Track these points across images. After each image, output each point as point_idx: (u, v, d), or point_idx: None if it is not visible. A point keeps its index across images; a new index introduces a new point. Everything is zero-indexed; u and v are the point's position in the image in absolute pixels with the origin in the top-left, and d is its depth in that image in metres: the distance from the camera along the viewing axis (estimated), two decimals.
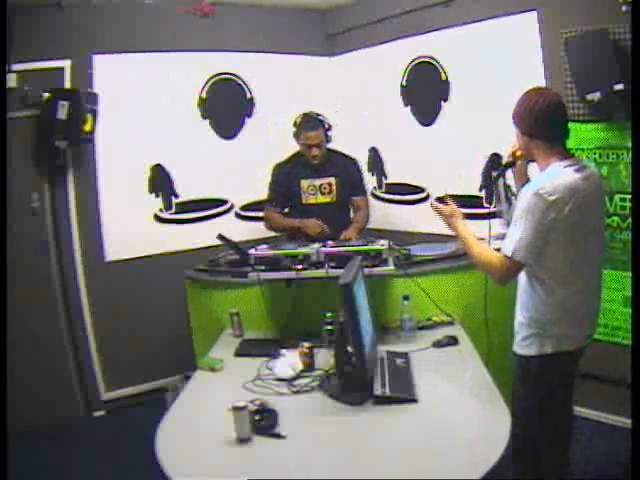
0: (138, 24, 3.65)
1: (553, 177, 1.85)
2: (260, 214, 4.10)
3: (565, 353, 1.92)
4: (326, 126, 3.29)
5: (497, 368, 2.23)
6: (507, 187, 2.45)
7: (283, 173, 3.36)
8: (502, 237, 2.37)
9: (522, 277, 1.98)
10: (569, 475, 2.15)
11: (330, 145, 3.36)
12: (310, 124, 3.28)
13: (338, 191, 3.34)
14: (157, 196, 3.85)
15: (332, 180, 3.33)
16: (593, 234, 1.94)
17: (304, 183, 3.33)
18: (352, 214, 3.48)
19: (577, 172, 1.86)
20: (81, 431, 3.46)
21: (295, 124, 3.29)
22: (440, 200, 2.22)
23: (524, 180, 2.11)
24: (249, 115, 4.12)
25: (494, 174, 2.76)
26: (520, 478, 2.02)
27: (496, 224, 2.42)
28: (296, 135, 3.30)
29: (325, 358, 2.25)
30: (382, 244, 2.54)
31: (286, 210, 3.44)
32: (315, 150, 3.22)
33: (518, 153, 2.07)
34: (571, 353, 1.94)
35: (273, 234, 3.63)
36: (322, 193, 3.34)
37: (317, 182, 3.33)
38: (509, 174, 2.28)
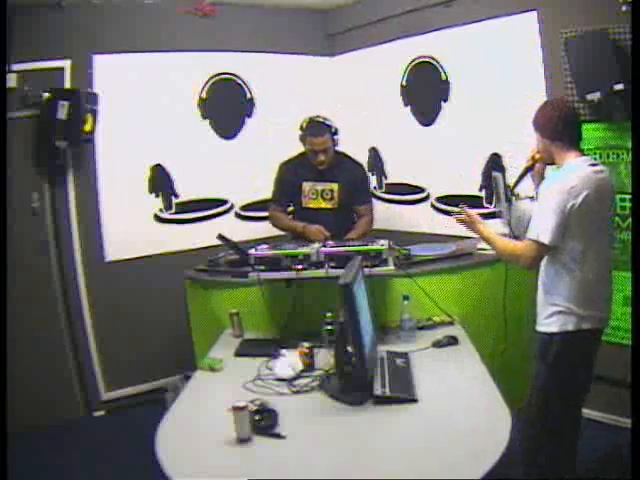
0: (138, 24, 3.65)
1: (570, 170, 2.06)
2: (260, 214, 4.11)
3: (585, 332, 2.06)
4: (333, 130, 3.21)
5: (505, 367, 2.26)
6: (507, 187, 2.46)
7: (288, 171, 3.34)
8: (504, 237, 2.39)
9: (543, 261, 2.13)
10: (571, 473, 2.18)
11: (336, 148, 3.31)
12: (316, 129, 3.18)
13: (340, 198, 3.28)
14: (157, 196, 3.85)
15: (335, 186, 3.26)
16: (604, 224, 2.12)
17: (305, 186, 3.30)
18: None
19: (591, 166, 2.08)
20: (81, 431, 3.46)
21: (301, 128, 3.23)
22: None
23: (541, 181, 2.27)
24: (249, 115, 4.12)
25: (495, 174, 2.77)
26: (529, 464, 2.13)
27: (497, 224, 2.44)
28: (302, 139, 3.24)
29: (325, 358, 2.25)
30: (382, 244, 2.54)
31: (291, 209, 3.42)
32: (321, 156, 3.17)
33: (537, 156, 2.25)
34: (590, 332, 2.07)
35: (273, 234, 3.63)
36: (324, 199, 3.29)
37: (319, 187, 3.28)
38: (509, 174, 2.31)
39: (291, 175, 3.32)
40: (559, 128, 2.10)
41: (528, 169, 2.33)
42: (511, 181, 2.40)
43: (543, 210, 2.03)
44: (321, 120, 3.22)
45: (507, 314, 2.67)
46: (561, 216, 1.98)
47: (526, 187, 2.40)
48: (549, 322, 2.11)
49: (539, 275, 2.19)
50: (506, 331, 2.68)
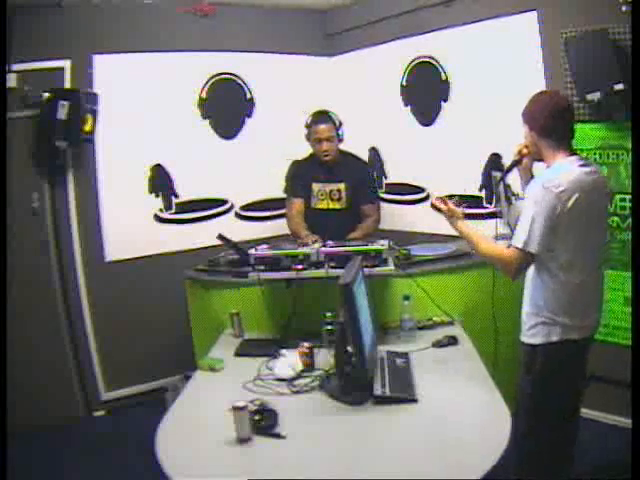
0: (138, 24, 3.65)
1: (559, 171, 1.93)
2: (260, 214, 4.12)
3: (571, 342, 1.97)
4: (337, 123, 3.24)
5: (503, 368, 2.25)
6: (507, 187, 2.46)
7: (300, 169, 3.36)
8: (504, 237, 2.37)
9: (529, 268, 2.03)
10: (568, 476, 2.16)
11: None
12: (319, 118, 3.21)
13: (348, 198, 3.30)
14: (157, 196, 3.85)
15: (342, 186, 3.28)
16: (596, 227, 2.00)
17: (315, 187, 3.32)
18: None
19: (582, 167, 1.95)
20: (81, 431, 3.46)
21: (306, 124, 3.25)
22: (442, 200, 2.25)
23: (529, 177, 2.17)
24: (249, 115, 4.12)
25: (494, 174, 2.77)
26: (523, 475, 2.05)
27: (497, 224, 2.43)
28: (307, 135, 3.25)
29: (325, 358, 2.25)
30: (382, 244, 2.54)
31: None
32: (325, 144, 3.18)
33: (524, 151, 2.13)
34: (576, 342, 1.98)
35: (273, 234, 3.63)
36: (332, 199, 3.30)
37: (327, 188, 3.30)
38: (509, 174, 2.29)
39: (303, 173, 3.34)
40: (549, 123, 1.96)
41: (515, 163, 2.19)
42: (510, 180, 2.37)
43: (529, 215, 1.89)
44: (325, 111, 3.24)
45: (497, 315, 2.65)
46: (549, 222, 1.86)
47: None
48: (533, 333, 2.01)
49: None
50: (496, 333, 2.65)
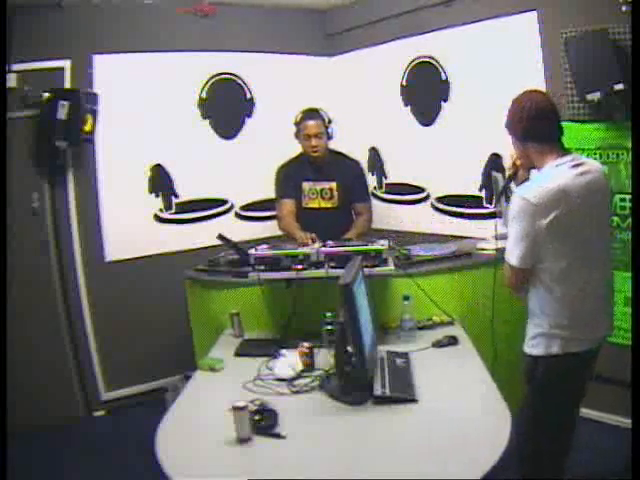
0: (138, 24, 3.65)
1: (544, 179, 1.85)
2: (260, 214, 4.12)
3: (571, 355, 1.91)
4: (326, 120, 3.25)
5: (502, 366, 2.24)
6: (507, 187, 2.46)
7: (289, 170, 3.34)
8: (503, 237, 2.35)
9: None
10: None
11: (331, 145, 3.34)
12: (309, 115, 3.22)
13: (340, 196, 3.30)
14: (157, 196, 3.85)
15: (334, 185, 3.29)
16: (595, 230, 1.91)
17: (305, 186, 3.31)
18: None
19: (573, 168, 1.85)
20: (81, 431, 3.47)
21: (295, 121, 3.26)
22: None
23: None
24: (249, 115, 4.13)
25: (494, 174, 2.77)
26: (521, 478, 2.04)
27: (497, 224, 2.43)
28: (297, 132, 3.26)
29: (325, 358, 2.25)
30: (382, 244, 2.54)
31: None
32: (314, 140, 3.18)
33: (518, 162, 2.07)
34: (578, 355, 1.92)
35: (273, 234, 3.62)
36: (323, 198, 3.31)
37: (318, 186, 3.30)
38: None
39: (292, 173, 3.33)
40: (528, 125, 1.87)
41: (511, 177, 2.15)
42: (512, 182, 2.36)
43: (513, 230, 1.85)
44: (314, 108, 3.25)
45: (497, 317, 2.62)
46: (531, 235, 1.80)
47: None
48: (533, 344, 1.96)
49: None
50: (493, 335, 2.62)
